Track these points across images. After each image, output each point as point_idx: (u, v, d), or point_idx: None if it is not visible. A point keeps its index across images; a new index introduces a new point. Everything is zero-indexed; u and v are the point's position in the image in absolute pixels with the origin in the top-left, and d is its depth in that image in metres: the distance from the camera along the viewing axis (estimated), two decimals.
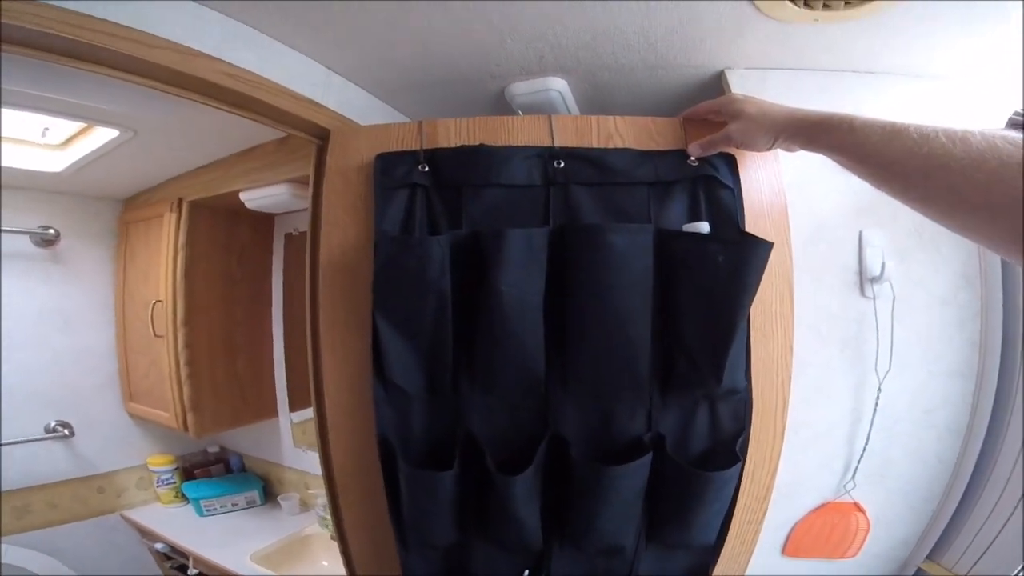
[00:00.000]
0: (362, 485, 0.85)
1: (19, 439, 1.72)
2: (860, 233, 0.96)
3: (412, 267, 0.70)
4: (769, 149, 0.69)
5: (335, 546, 1.71)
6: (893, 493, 1.08)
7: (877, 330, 0.95)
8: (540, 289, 0.71)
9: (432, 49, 0.90)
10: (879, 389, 0.97)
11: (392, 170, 0.77)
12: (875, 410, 0.99)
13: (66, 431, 1.82)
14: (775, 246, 0.68)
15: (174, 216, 1.63)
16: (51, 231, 1.77)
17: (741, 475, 0.76)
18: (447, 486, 0.73)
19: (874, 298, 0.95)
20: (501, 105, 1.10)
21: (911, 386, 1.00)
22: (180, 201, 1.63)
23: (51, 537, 1.82)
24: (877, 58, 0.94)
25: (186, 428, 1.71)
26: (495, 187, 0.77)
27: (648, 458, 0.73)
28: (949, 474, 1.07)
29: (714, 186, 0.77)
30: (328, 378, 0.81)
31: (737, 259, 0.67)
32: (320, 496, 1.84)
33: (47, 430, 1.80)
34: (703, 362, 0.71)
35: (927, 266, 0.97)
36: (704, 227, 0.74)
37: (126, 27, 0.60)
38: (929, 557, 1.12)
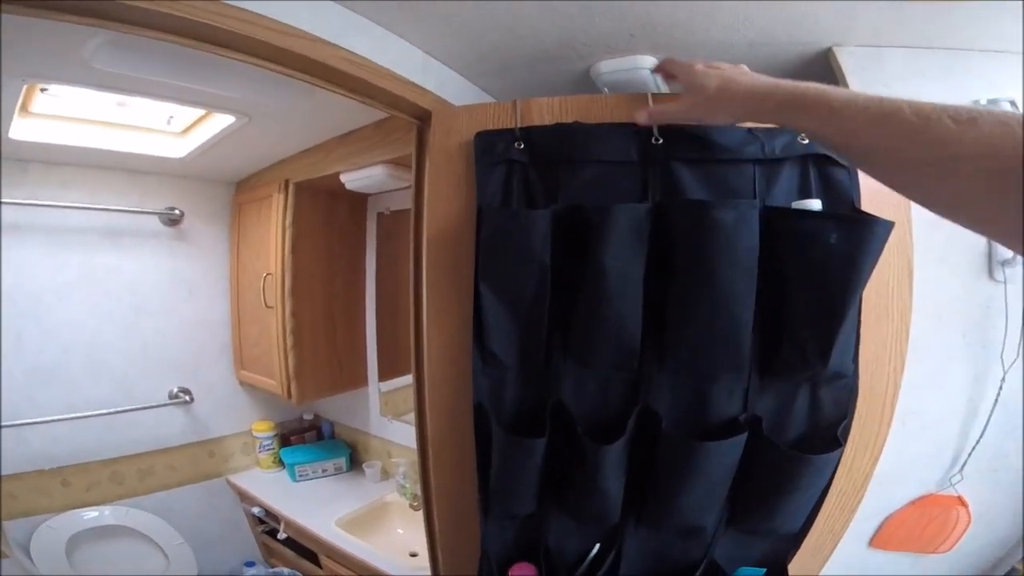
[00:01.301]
0: (453, 453, 0.91)
1: (148, 404, 1.96)
2: None
3: (517, 238, 0.74)
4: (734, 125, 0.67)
5: (411, 514, 1.87)
6: (1002, 489, 1.02)
7: (1007, 315, 0.89)
8: (642, 265, 0.72)
9: (520, 29, 0.92)
10: (1003, 379, 0.91)
11: (491, 148, 0.82)
12: (996, 402, 0.93)
13: (187, 397, 2.06)
14: (896, 226, 0.64)
15: (281, 197, 1.80)
16: (176, 211, 2.00)
17: (839, 463, 0.74)
18: (538, 453, 0.77)
19: (1004, 282, 0.89)
20: (586, 84, 1.11)
21: None
22: (287, 183, 1.79)
23: (165, 499, 2.05)
24: (1007, 37, 0.86)
25: (289, 395, 1.89)
26: (591, 164, 0.78)
27: (743, 437, 0.72)
28: None
29: (827, 164, 0.73)
30: (429, 346, 0.88)
31: (852, 239, 0.63)
32: (401, 464, 1.97)
33: (170, 396, 2.04)
34: (809, 346, 0.68)
35: None
36: (815, 204, 0.71)
37: (263, 15, 0.68)
38: None
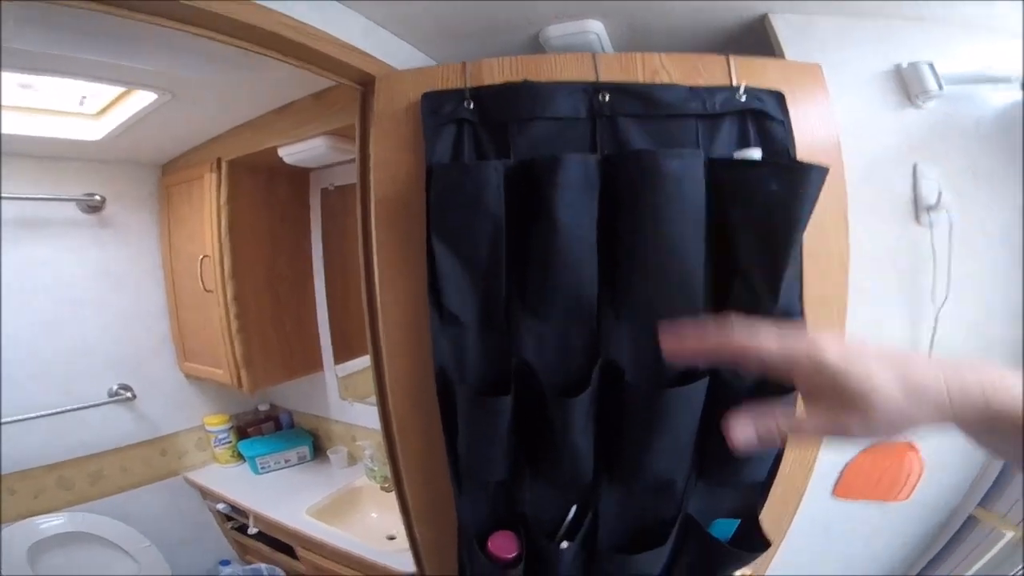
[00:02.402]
0: (419, 424, 0.93)
1: (87, 404, 1.88)
2: (915, 166, 0.97)
3: (469, 191, 0.75)
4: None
5: (383, 497, 1.89)
6: (947, 435, 1.11)
7: (934, 258, 0.96)
8: (594, 216, 0.75)
9: None
10: (936, 319, 0.98)
11: (439, 108, 0.82)
12: (932, 342, 1.00)
13: (128, 394, 1.99)
14: (829, 175, 0.70)
15: (214, 176, 1.72)
16: (96, 197, 1.89)
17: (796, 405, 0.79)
18: (504, 412, 0.80)
19: (931, 226, 0.96)
20: (535, 50, 1.12)
21: (967, 321, 1.01)
22: (219, 161, 1.72)
23: (122, 502, 1.98)
24: (945, 8, 0.92)
25: (240, 384, 1.84)
26: (541, 121, 0.81)
27: (704, 383, 0.77)
28: None
29: (764, 120, 0.79)
30: (384, 312, 0.88)
31: (791, 183, 0.69)
32: (367, 447, 1.97)
33: (110, 394, 1.96)
34: (758, 282, 0.74)
35: (983, 203, 0.98)
36: (756, 153, 0.76)
37: None
38: (981, 504, 1.15)
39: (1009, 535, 1.04)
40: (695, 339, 0.44)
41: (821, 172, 0.69)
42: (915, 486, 1.14)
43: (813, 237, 0.77)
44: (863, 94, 0.96)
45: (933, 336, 1.00)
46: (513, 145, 0.81)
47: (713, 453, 0.85)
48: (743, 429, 0.41)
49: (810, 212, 0.70)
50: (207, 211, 1.75)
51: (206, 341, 1.90)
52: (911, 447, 1.12)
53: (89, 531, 1.83)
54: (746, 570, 1.08)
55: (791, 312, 0.79)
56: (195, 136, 1.80)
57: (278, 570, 2.10)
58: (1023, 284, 1.00)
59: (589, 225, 0.75)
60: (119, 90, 1.42)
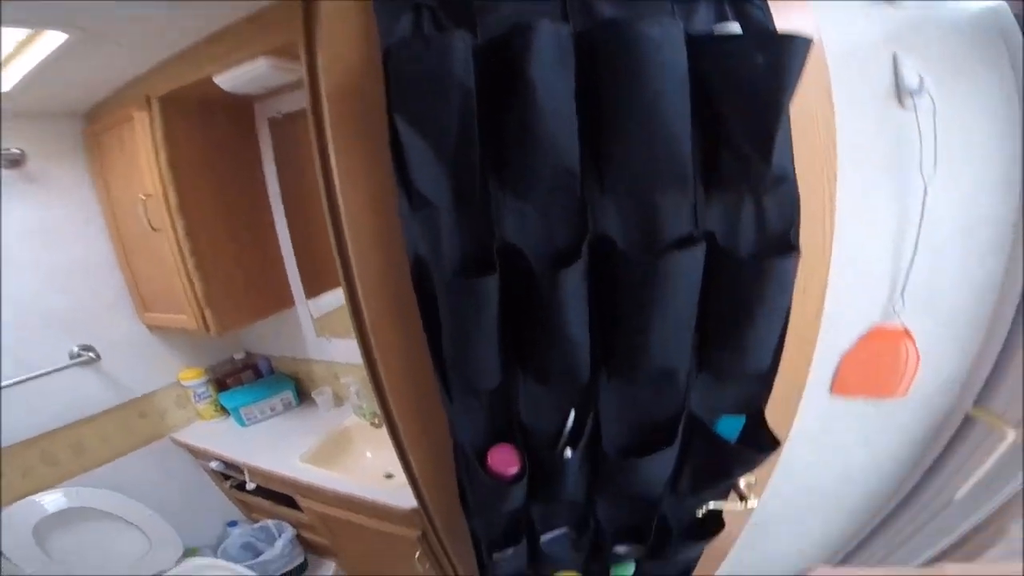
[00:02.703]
0: (400, 340, 0.86)
1: (47, 369, 1.80)
2: (894, 54, 0.96)
3: (433, 64, 0.66)
4: None
5: (375, 433, 1.87)
6: (940, 319, 1.12)
7: (920, 137, 0.96)
8: (571, 86, 0.68)
9: None
10: (925, 192, 0.99)
11: None
12: (922, 215, 1.00)
13: (91, 354, 1.90)
14: (811, 51, 0.66)
15: (145, 115, 1.59)
16: (15, 151, 1.73)
17: (795, 275, 0.76)
18: (490, 296, 0.74)
19: (915, 109, 0.96)
20: None
21: (955, 199, 1.01)
22: (148, 98, 1.58)
23: (112, 473, 1.95)
24: None
25: (207, 327, 1.77)
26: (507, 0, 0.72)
27: (701, 249, 0.73)
28: (995, 295, 1.09)
29: (742, 1, 0.75)
30: (349, 208, 0.79)
31: (776, 54, 0.66)
32: (352, 384, 1.95)
33: (71, 356, 1.88)
34: (749, 147, 0.70)
35: (963, 88, 0.97)
36: (735, 27, 0.72)
37: None
38: (978, 402, 1.16)
39: (1012, 435, 1.05)
40: None
41: (805, 42, 0.65)
42: (912, 380, 1.15)
43: (798, 110, 0.73)
44: None
45: (923, 208, 1.00)
46: (480, 25, 0.72)
47: (714, 336, 0.81)
48: None
49: (796, 81, 0.67)
50: (142, 151, 1.62)
51: (163, 286, 1.81)
52: (907, 334, 1.12)
53: (89, 506, 1.80)
54: (749, 477, 1.10)
55: (785, 175, 0.75)
56: (118, 76, 1.63)
57: (285, 524, 2.12)
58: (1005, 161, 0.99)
59: (566, 95, 0.68)
60: (23, 33, 1.27)
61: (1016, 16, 0.97)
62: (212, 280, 1.74)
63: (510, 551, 1.04)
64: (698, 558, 1.23)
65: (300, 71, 0.79)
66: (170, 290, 1.78)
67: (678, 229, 0.76)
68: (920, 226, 1.02)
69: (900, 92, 0.97)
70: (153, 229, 1.68)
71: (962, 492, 1.13)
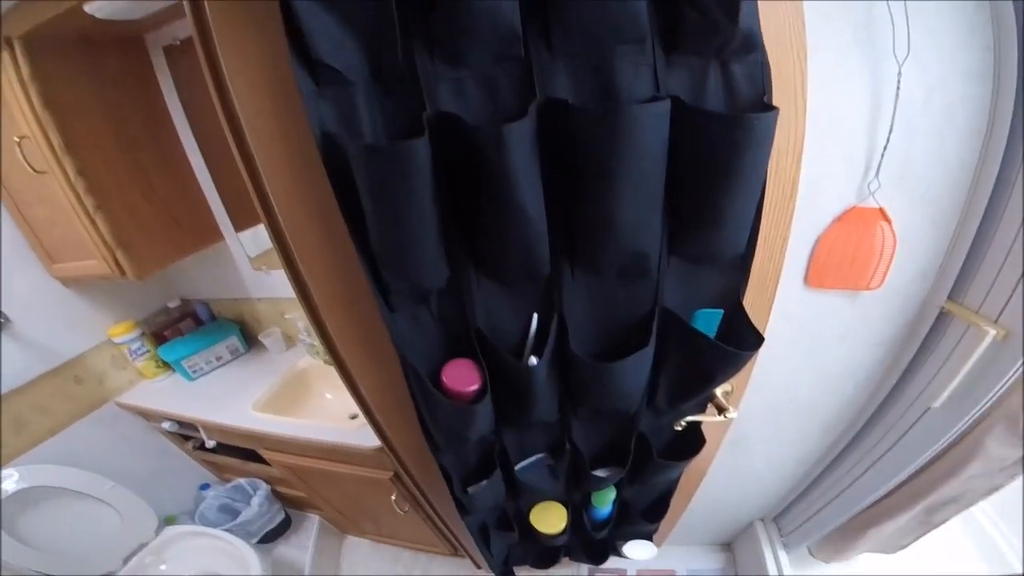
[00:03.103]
0: (321, 239, 0.75)
1: None
2: None
3: None
4: None
5: (332, 373, 1.76)
6: (916, 200, 1.08)
7: (892, 22, 0.92)
8: None
9: None
10: (899, 73, 0.95)
11: None
12: (897, 94, 0.97)
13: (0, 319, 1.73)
14: None
15: (6, 54, 1.39)
16: None
17: (773, 139, 0.66)
18: (420, 163, 0.62)
19: None
20: None
21: (929, 81, 0.98)
22: (8, 39, 1.38)
23: (61, 446, 1.84)
24: None
25: (120, 271, 1.63)
26: None
27: (666, 104, 0.62)
28: (971, 180, 1.05)
29: None
30: (243, 100, 0.65)
31: None
32: (300, 319, 1.84)
33: None
34: (714, 5, 0.60)
35: None
36: None
37: None
38: (953, 297, 1.13)
39: (992, 333, 1.01)
40: None
41: None
42: (889, 266, 1.12)
43: None
44: None
45: (898, 86, 0.97)
46: None
47: (686, 213, 0.72)
48: None
49: None
50: (7, 94, 1.43)
51: (66, 232, 1.63)
52: (883, 215, 1.09)
53: (47, 484, 1.69)
54: (726, 385, 1.04)
55: (752, 38, 0.64)
56: None
57: (259, 481, 2.05)
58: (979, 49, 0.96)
59: None
60: None
61: None
62: (119, 219, 1.59)
63: (484, 483, 0.98)
64: (678, 478, 1.21)
65: None
66: (75, 236, 1.61)
67: (638, 91, 0.66)
68: (896, 104, 0.98)
69: None
70: (36, 172, 1.50)
71: (939, 400, 1.10)
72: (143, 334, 1.99)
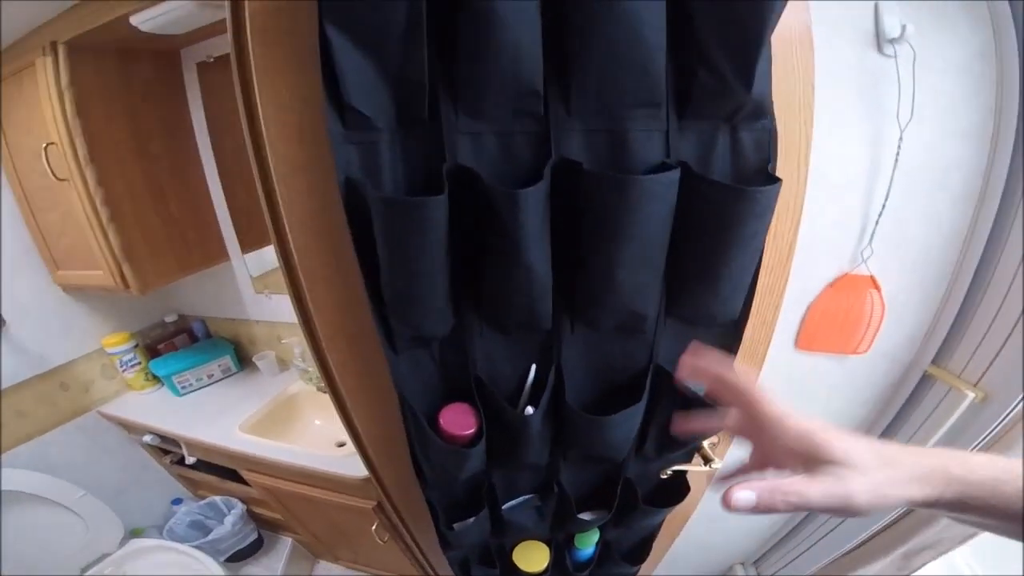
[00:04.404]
0: (333, 276, 0.78)
1: None
2: (876, 5, 0.99)
3: None
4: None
5: (325, 400, 1.78)
6: (907, 265, 1.13)
7: (899, 83, 0.99)
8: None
9: None
10: (900, 138, 1.01)
11: None
12: (896, 158, 1.03)
13: None
14: None
15: (49, 60, 1.43)
16: None
17: (775, 206, 0.71)
18: (437, 219, 0.65)
19: (895, 56, 0.98)
20: None
21: (928, 141, 1.03)
22: (54, 44, 1.43)
23: (36, 452, 1.82)
24: None
25: (125, 284, 1.65)
26: None
27: (676, 174, 0.66)
28: (961, 244, 1.11)
29: None
30: (272, 133, 0.68)
31: None
32: (297, 345, 1.85)
33: None
34: (729, 68, 0.64)
35: (944, 38, 0.99)
36: None
37: None
38: (936, 361, 1.18)
39: (970, 396, 1.06)
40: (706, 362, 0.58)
41: None
42: (876, 332, 1.17)
43: (777, 50, 0.68)
44: None
45: (897, 153, 1.02)
46: None
47: (686, 276, 0.76)
48: (745, 498, 0.45)
49: (780, 11, 0.61)
50: (44, 99, 1.47)
51: (75, 240, 1.66)
52: (873, 283, 1.14)
53: (13, 488, 1.66)
54: (712, 436, 1.07)
55: (762, 105, 0.69)
56: (16, 27, 1.46)
57: (235, 500, 2.03)
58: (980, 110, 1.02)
59: (531, 5, 0.60)
60: None
61: None
62: (129, 232, 1.62)
63: (471, 520, 0.99)
64: (661, 523, 1.22)
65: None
66: (84, 245, 1.64)
67: (649, 157, 0.70)
68: (894, 170, 1.04)
69: (880, 39, 0.99)
70: (58, 179, 1.53)
71: None
72: (137, 346, 2.00)
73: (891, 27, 0.97)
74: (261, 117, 0.68)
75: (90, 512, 1.81)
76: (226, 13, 0.67)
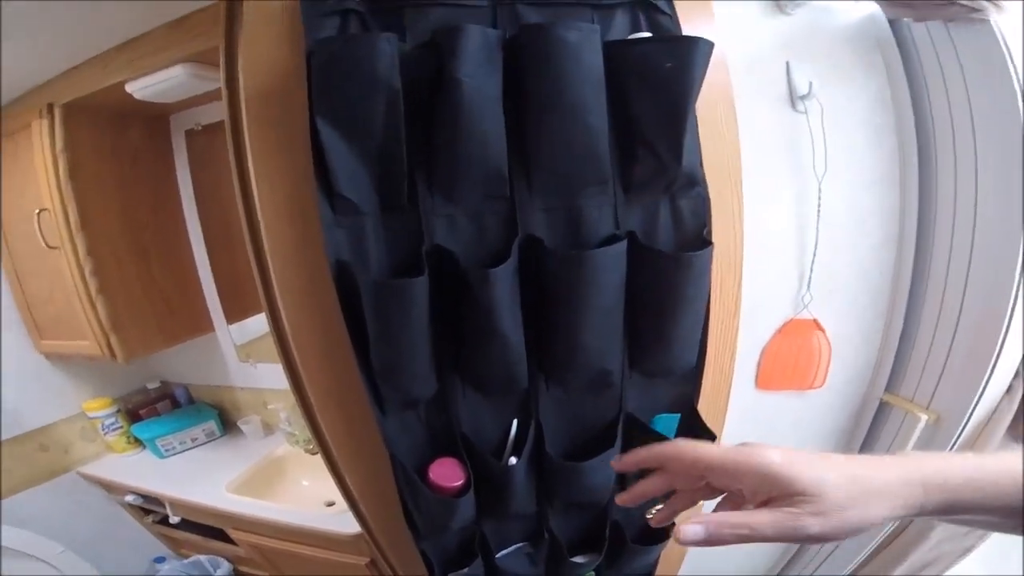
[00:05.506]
0: (324, 348, 0.85)
1: None
2: (787, 62, 1.11)
3: (358, 63, 0.68)
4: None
5: (312, 461, 1.83)
6: (844, 309, 1.25)
7: (811, 137, 1.12)
8: (499, 86, 0.73)
9: None
10: (820, 190, 1.14)
11: None
12: (819, 211, 1.15)
13: None
14: (714, 61, 0.76)
15: (45, 122, 1.50)
16: None
17: (711, 266, 0.83)
18: (419, 298, 0.75)
19: (806, 112, 1.12)
20: None
21: (845, 195, 1.16)
22: (51, 106, 1.50)
23: (11, 508, 1.80)
24: None
25: (112, 354, 1.68)
26: (437, 7, 0.76)
27: (623, 246, 0.79)
28: (890, 285, 1.24)
29: (654, 12, 0.83)
30: (267, 216, 0.78)
31: (680, 53, 0.74)
32: (282, 410, 1.88)
33: None
34: (662, 147, 0.78)
35: (847, 92, 1.14)
36: (647, 35, 0.82)
37: None
38: (889, 388, 1.29)
39: (924, 418, 1.16)
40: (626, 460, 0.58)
41: (708, 44, 0.74)
42: (827, 369, 1.29)
43: (704, 117, 0.83)
44: (738, 4, 1.09)
45: (819, 205, 1.15)
46: (409, 30, 0.75)
47: (642, 335, 0.87)
48: (693, 532, 0.45)
49: (701, 79, 0.76)
50: (39, 162, 1.53)
51: (62, 309, 1.70)
52: (817, 326, 1.26)
53: None
54: None
55: (694, 175, 0.83)
56: (15, 86, 1.53)
57: (220, 559, 2.00)
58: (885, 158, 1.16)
59: (494, 91, 0.73)
60: None
61: (890, 23, 1.12)
62: (117, 302, 1.65)
63: (465, 571, 1.04)
64: (656, 562, 1.28)
65: (220, 81, 0.78)
66: (71, 314, 1.67)
67: (601, 230, 0.83)
68: (818, 222, 1.16)
69: (793, 97, 1.12)
70: (49, 247, 1.58)
71: None
72: (119, 411, 2.01)
73: (800, 84, 1.09)
74: (255, 193, 0.77)
75: (69, 568, 1.80)
76: (223, 107, 0.77)
